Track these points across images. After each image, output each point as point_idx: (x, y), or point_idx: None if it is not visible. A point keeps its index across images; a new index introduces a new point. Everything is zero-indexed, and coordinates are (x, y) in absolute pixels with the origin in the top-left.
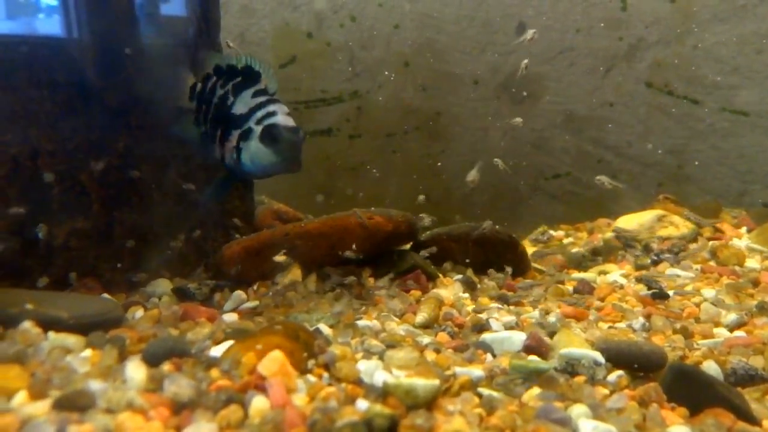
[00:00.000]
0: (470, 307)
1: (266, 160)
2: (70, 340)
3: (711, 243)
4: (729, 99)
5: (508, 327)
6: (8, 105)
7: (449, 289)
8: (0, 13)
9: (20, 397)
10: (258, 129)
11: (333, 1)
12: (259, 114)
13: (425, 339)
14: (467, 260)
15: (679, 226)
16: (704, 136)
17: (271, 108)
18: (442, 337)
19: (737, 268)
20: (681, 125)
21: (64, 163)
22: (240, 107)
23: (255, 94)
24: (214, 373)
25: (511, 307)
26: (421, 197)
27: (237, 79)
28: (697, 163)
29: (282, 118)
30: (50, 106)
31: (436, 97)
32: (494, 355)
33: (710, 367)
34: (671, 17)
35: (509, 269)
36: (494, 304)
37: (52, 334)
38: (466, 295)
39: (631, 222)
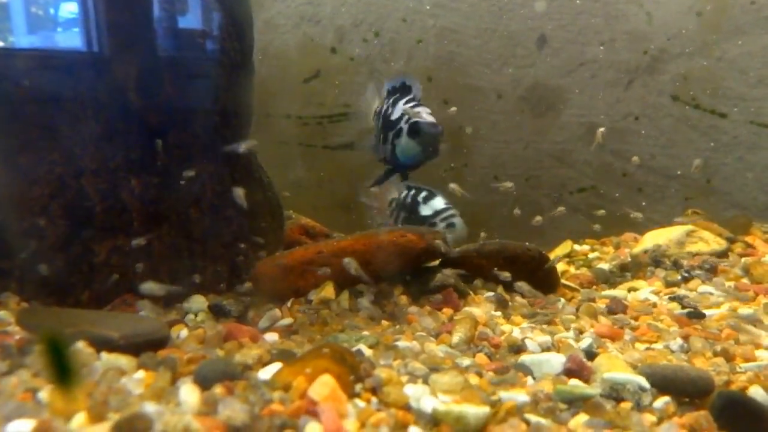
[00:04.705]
0: (504, 326)
1: (412, 150)
2: (122, 360)
3: (743, 259)
4: (754, 111)
5: (545, 348)
6: (56, 123)
7: (481, 307)
8: (44, 30)
9: (79, 419)
10: (406, 127)
11: (355, 16)
12: (408, 116)
13: (465, 361)
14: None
15: (709, 241)
16: (730, 149)
17: (417, 109)
18: (481, 358)
19: None
20: (706, 137)
21: (106, 182)
22: (396, 113)
23: (407, 102)
24: (266, 396)
25: (544, 326)
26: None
27: (396, 95)
28: (711, 173)
29: (425, 116)
30: (94, 125)
31: (459, 111)
32: (534, 378)
33: (757, 393)
34: (694, 29)
35: (528, 288)
36: (527, 323)
37: (104, 355)
38: (498, 313)
39: (659, 237)
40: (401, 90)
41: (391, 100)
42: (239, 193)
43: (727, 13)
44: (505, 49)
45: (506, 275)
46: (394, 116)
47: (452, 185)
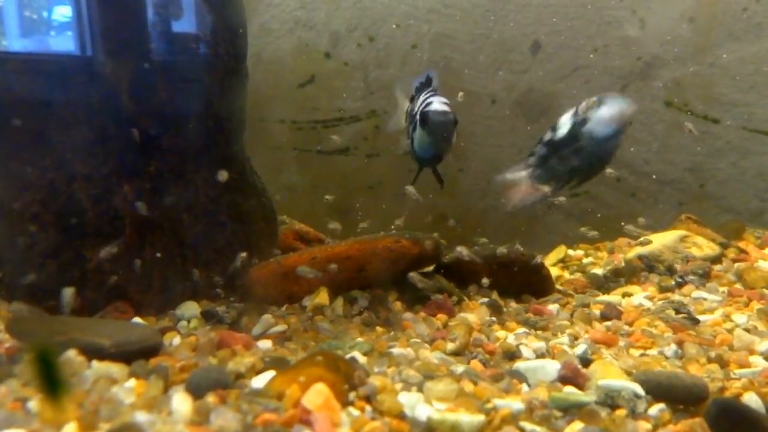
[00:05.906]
0: (499, 332)
1: (424, 141)
2: (114, 369)
3: (736, 265)
4: (746, 116)
5: (539, 354)
6: (47, 128)
7: (475, 313)
8: (37, 34)
9: (70, 429)
10: (419, 117)
11: (350, 21)
12: (422, 106)
13: (459, 368)
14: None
15: (702, 246)
16: (722, 154)
17: (430, 99)
18: (475, 365)
19: (766, 291)
20: (699, 142)
21: (98, 188)
22: (416, 107)
23: (425, 94)
24: (259, 405)
25: (539, 332)
26: (452, 221)
27: (423, 89)
28: (707, 179)
29: (436, 105)
30: (86, 130)
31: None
32: (529, 385)
33: (751, 399)
34: (687, 35)
35: (467, 252)
36: (522, 329)
37: (95, 363)
38: (493, 319)
39: (653, 242)
40: (426, 84)
41: (418, 96)
42: (223, 174)
43: (720, 19)
44: (499, 54)
45: (485, 281)
46: (415, 109)
47: (408, 187)
